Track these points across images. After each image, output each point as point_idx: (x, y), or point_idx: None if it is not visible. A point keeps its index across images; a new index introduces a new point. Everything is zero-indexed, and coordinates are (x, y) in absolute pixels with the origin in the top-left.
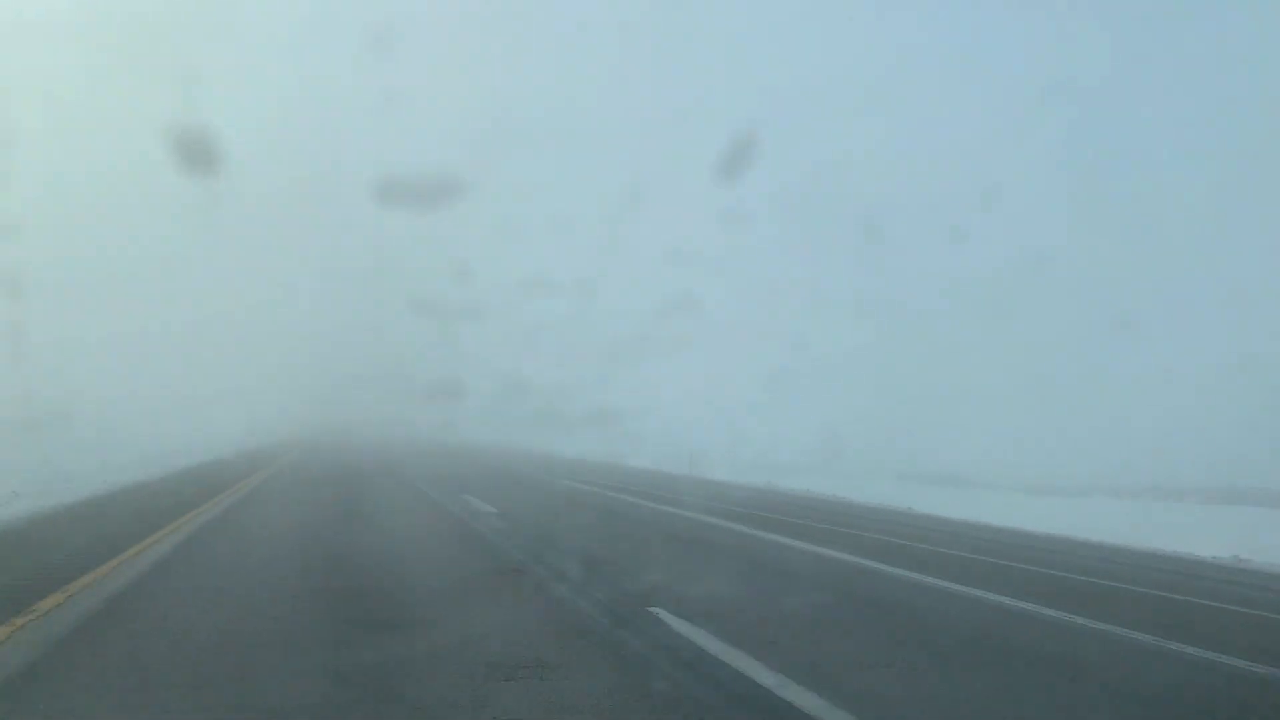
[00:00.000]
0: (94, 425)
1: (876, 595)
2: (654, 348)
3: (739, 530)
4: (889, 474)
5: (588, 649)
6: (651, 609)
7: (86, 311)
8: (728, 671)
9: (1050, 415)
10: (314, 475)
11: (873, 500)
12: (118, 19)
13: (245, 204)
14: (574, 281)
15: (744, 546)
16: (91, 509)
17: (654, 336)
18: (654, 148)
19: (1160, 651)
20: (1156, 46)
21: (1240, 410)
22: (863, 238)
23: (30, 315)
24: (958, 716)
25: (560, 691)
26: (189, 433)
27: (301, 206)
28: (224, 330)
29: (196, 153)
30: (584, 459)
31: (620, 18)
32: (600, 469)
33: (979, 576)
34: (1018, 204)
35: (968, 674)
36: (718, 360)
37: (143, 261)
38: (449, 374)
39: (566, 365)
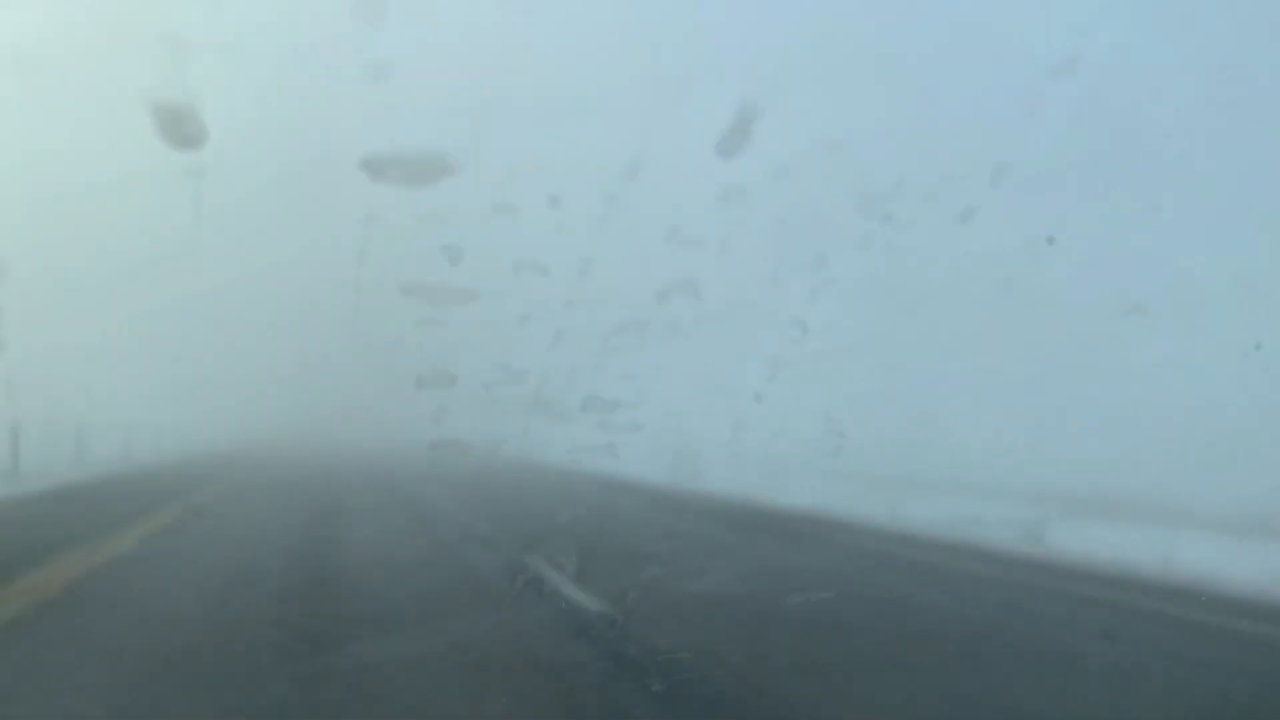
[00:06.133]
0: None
1: None
2: (650, 332)
3: None
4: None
5: None
6: None
7: (61, 291)
8: None
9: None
10: None
11: None
12: None
13: (229, 179)
14: (568, 261)
15: None
16: None
17: (651, 320)
18: (654, 120)
19: None
20: (1174, 19)
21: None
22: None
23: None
24: None
25: None
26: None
27: (287, 182)
28: (203, 313)
29: (179, 125)
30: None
31: None
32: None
33: None
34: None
35: None
36: (716, 347)
37: (120, 238)
38: (439, 361)
39: (558, 351)
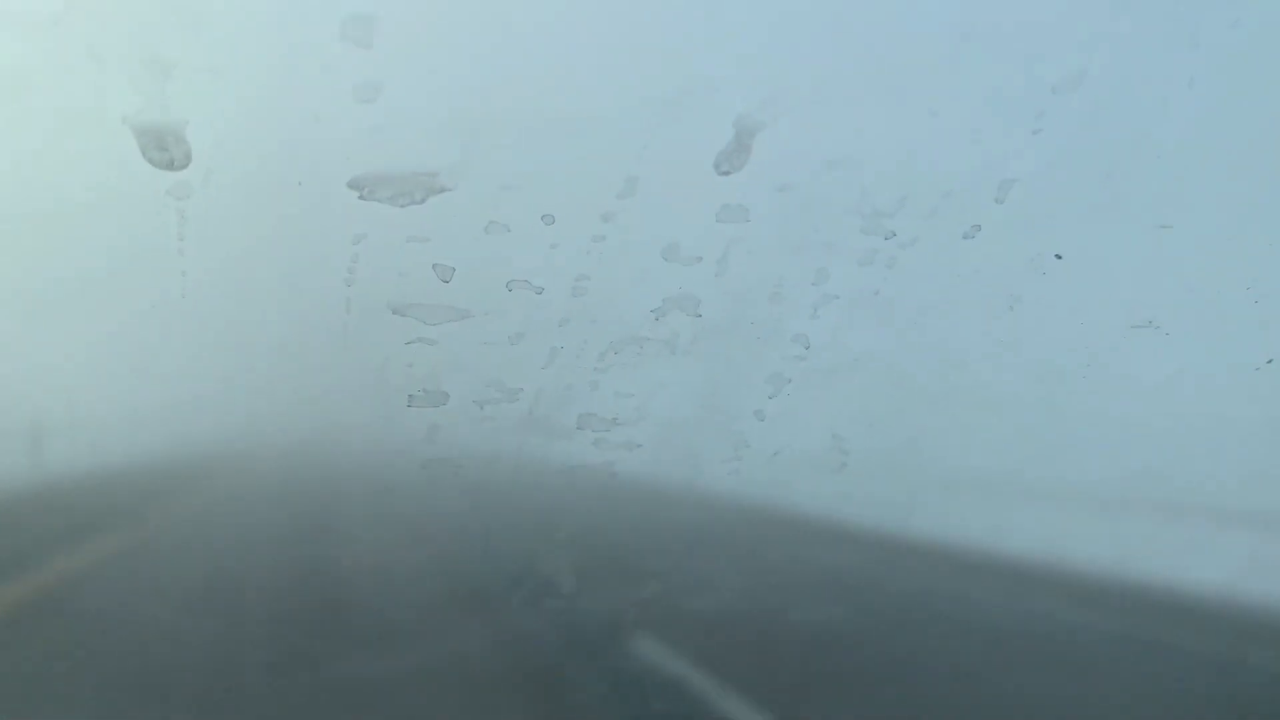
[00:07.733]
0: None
1: None
2: (648, 350)
3: None
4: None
5: None
6: None
7: (45, 306)
8: None
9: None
10: None
11: None
12: (84, 7)
13: (215, 199)
14: (563, 279)
15: None
16: None
17: (648, 338)
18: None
19: None
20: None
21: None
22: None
23: None
24: None
25: None
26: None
27: (275, 202)
28: (189, 332)
29: (163, 146)
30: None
31: None
32: None
33: None
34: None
35: None
36: (716, 364)
37: (105, 258)
38: (430, 380)
39: (553, 369)
